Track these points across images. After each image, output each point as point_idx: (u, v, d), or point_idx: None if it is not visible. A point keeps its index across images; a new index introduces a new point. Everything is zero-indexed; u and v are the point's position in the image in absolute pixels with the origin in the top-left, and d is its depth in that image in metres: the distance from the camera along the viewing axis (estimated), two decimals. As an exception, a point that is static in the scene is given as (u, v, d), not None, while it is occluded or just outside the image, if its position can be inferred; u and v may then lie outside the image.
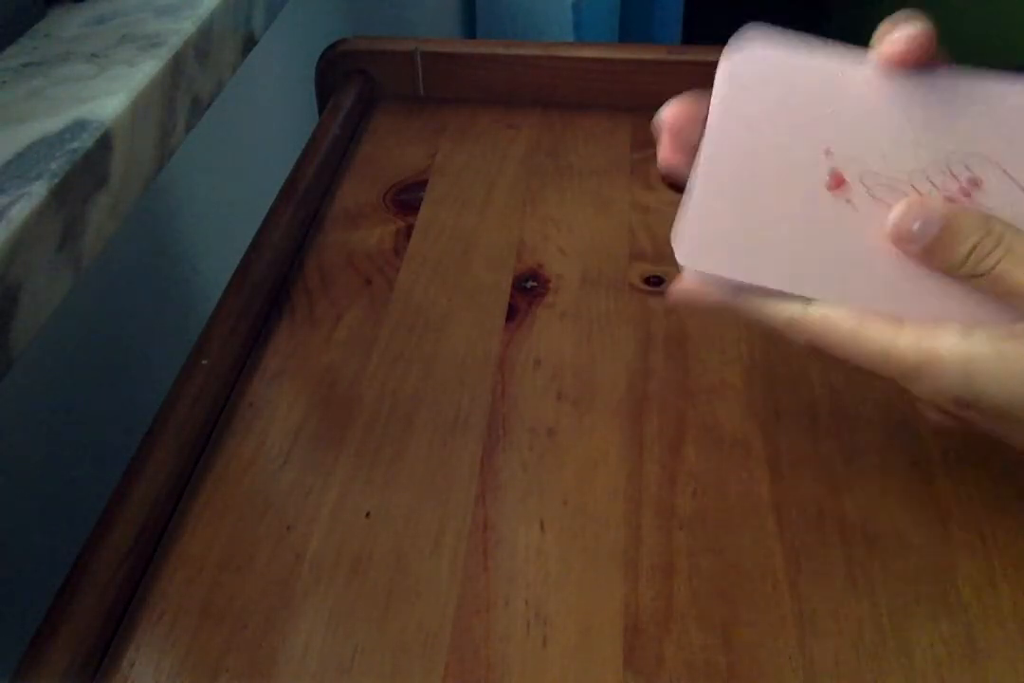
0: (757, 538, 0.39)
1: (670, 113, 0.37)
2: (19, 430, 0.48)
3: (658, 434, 0.43)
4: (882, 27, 0.34)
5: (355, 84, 0.66)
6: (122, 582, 0.37)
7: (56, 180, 0.35)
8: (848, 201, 0.34)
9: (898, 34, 0.33)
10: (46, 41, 0.44)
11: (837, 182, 0.34)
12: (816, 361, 0.45)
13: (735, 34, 0.35)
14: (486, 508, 0.40)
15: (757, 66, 0.35)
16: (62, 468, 0.52)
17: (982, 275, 0.33)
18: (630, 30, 1.48)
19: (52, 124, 0.38)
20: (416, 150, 0.62)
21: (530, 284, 0.51)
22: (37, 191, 0.34)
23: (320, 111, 0.67)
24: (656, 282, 0.51)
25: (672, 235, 0.35)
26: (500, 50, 0.65)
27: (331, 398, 0.45)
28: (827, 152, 0.34)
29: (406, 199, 0.58)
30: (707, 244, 0.35)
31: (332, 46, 0.67)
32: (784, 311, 0.35)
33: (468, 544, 0.39)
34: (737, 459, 0.42)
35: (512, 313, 0.50)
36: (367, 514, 0.40)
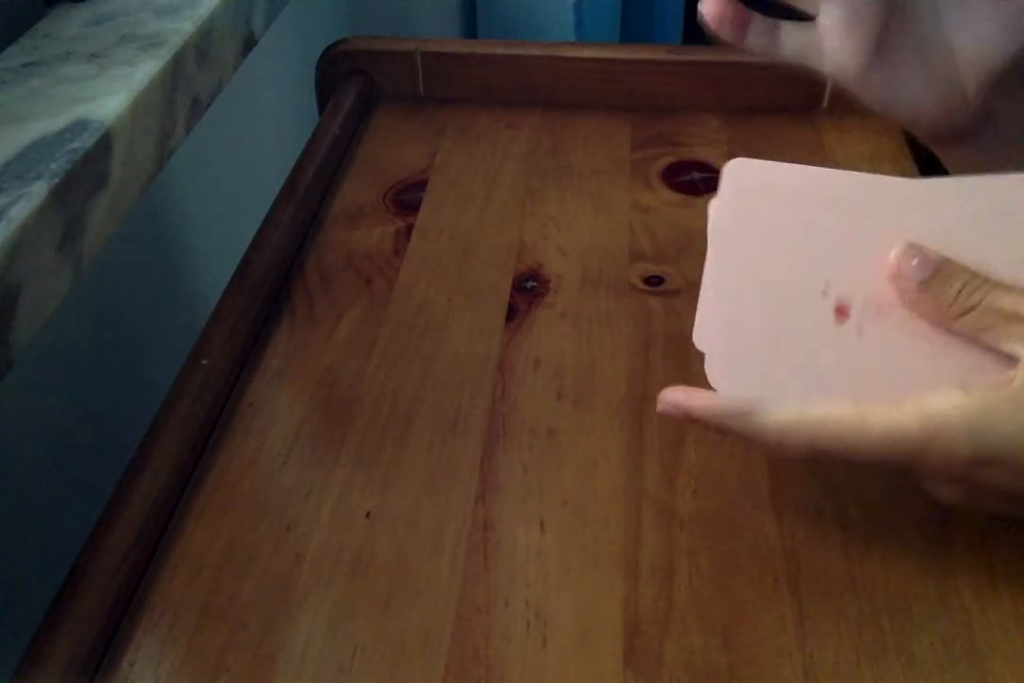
0: (757, 538, 0.39)
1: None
2: (19, 430, 0.48)
3: (658, 434, 0.43)
4: None
5: (355, 84, 0.66)
6: (122, 582, 0.37)
7: (56, 180, 0.35)
8: (859, 330, 0.35)
9: None
10: (46, 41, 0.44)
11: (841, 314, 0.36)
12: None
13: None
14: (486, 508, 0.40)
15: (754, 177, 0.37)
16: (62, 468, 0.52)
17: (973, 308, 0.34)
18: (630, 30, 1.48)
19: (52, 124, 0.38)
20: (416, 150, 0.62)
21: (530, 284, 0.51)
22: (37, 191, 0.34)
23: (320, 111, 0.67)
24: (656, 282, 0.51)
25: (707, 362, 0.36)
26: (500, 50, 0.65)
27: (331, 398, 0.45)
28: (825, 290, 0.36)
29: (406, 199, 0.58)
30: (737, 371, 0.36)
31: (332, 46, 0.67)
32: (780, 418, 0.34)
33: (468, 544, 0.39)
34: (737, 459, 0.42)
35: (512, 313, 0.50)
36: (367, 514, 0.40)
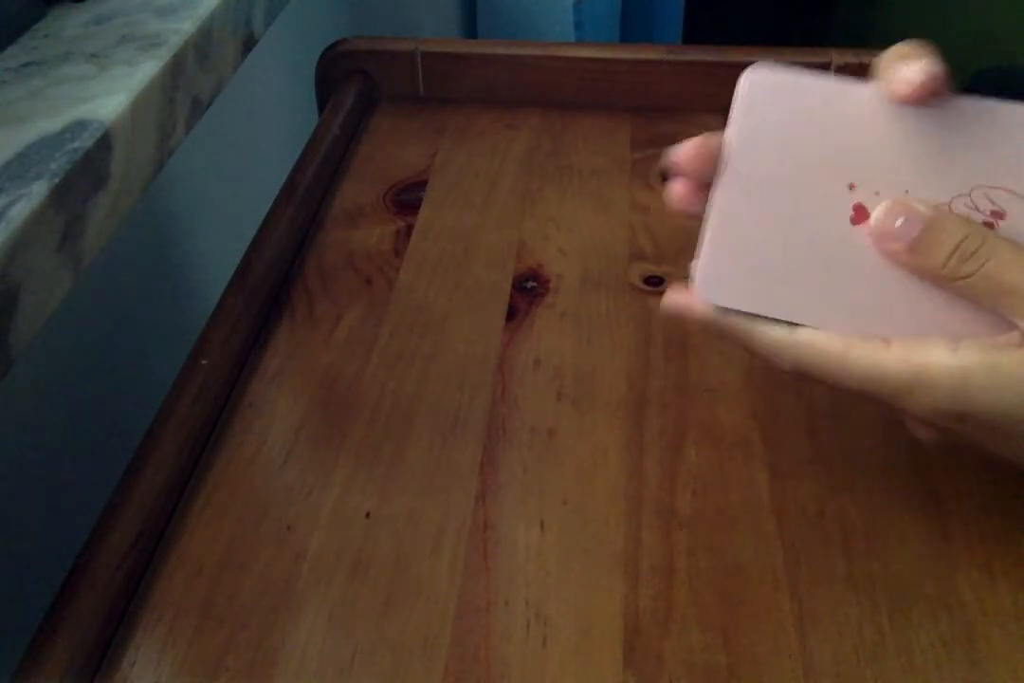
0: (757, 538, 0.39)
1: (684, 153, 0.35)
2: (19, 430, 0.48)
3: (658, 434, 0.43)
4: (887, 56, 0.33)
5: (355, 84, 0.66)
6: (122, 582, 0.37)
7: (56, 180, 0.35)
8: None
9: (909, 73, 0.32)
10: (46, 41, 0.44)
11: (860, 217, 0.34)
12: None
13: (747, 67, 0.35)
14: (486, 508, 0.40)
15: (774, 89, 0.35)
16: (62, 468, 0.52)
17: (965, 277, 0.33)
18: (630, 30, 1.48)
19: (52, 124, 0.38)
20: (416, 150, 0.62)
21: (530, 284, 0.51)
22: (37, 191, 0.34)
23: (320, 111, 0.67)
24: (656, 282, 0.51)
25: (692, 268, 0.36)
26: (500, 50, 0.65)
27: (331, 398, 0.45)
28: (851, 186, 0.34)
29: (406, 199, 0.58)
30: (726, 279, 0.35)
31: (332, 46, 0.67)
32: (769, 335, 0.35)
33: (468, 544, 0.39)
34: (737, 459, 0.42)
35: (512, 313, 0.50)
36: (367, 514, 0.40)
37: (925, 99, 0.33)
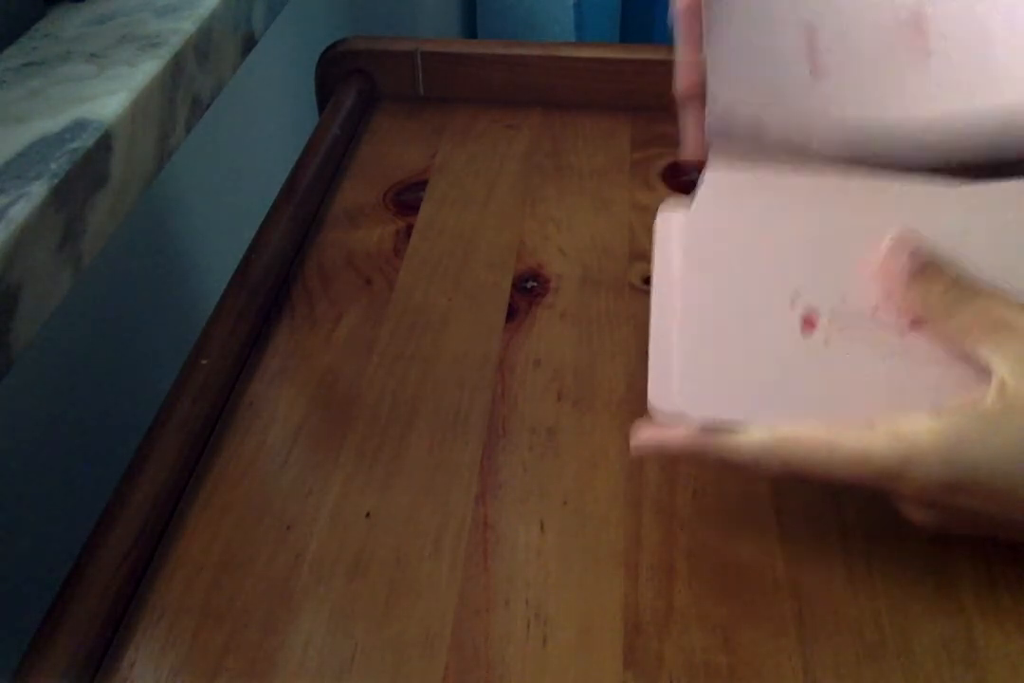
0: (757, 538, 0.39)
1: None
2: (19, 430, 0.48)
3: (658, 434, 0.43)
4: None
5: (355, 84, 0.66)
6: (122, 582, 0.37)
7: (56, 180, 0.35)
8: (825, 341, 0.35)
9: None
10: (46, 41, 0.44)
11: (809, 326, 0.35)
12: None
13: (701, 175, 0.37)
14: (486, 508, 0.40)
15: (720, 194, 0.37)
16: (62, 468, 0.52)
17: (959, 310, 0.33)
18: (630, 30, 1.48)
19: (52, 124, 0.38)
20: (416, 150, 0.62)
21: (530, 284, 0.51)
22: (37, 191, 0.34)
23: (320, 111, 0.67)
24: (656, 282, 0.51)
25: (649, 384, 0.36)
26: (500, 50, 0.65)
27: (331, 398, 0.45)
28: (793, 300, 0.35)
29: (406, 199, 0.58)
30: (685, 388, 0.36)
31: (332, 46, 0.67)
32: (752, 439, 0.34)
33: (468, 544, 0.39)
34: (737, 459, 0.42)
35: (512, 313, 0.50)
36: (367, 514, 0.40)
37: None
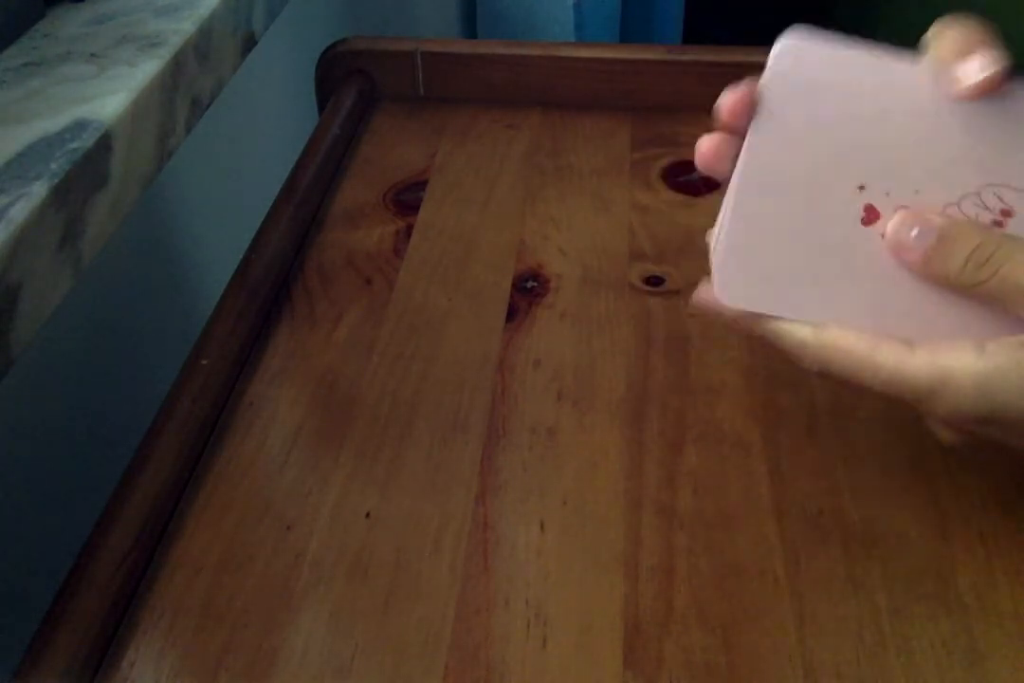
0: (757, 538, 0.39)
1: (727, 103, 0.35)
2: (19, 429, 0.48)
3: (658, 434, 0.43)
4: (947, 42, 0.32)
5: (355, 84, 0.66)
6: (122, 582, 0.37)
7: (56, 180, 0.35)
8: (883, 235, 0.34)
9: (973, 70, 0.32)
10: (46, 41, 0.44)
11: (871, 217, 0.34)
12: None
13: (783, 32, 0.34)
14: (486, 508, 0.40)
15: (801, 64, 0.34)
16: (62, 468, 0.52)
17: (982, 283, 0.33)
18: (630, 30, 1.48)
19: (52, 124, 0.38)
20: (416, 150, 0.62)
21: (530, 284, 0.51)
22: (37, 191, 0.34)
23: (320, 111, 0.67)
24: (656, 282, 0.51)
25: (711, 267, 0.35)
26: (500, 50, 0.65)
27: (331, 398, 0.45)
28: (861, 187, 0.34)
29: (406, 199, 0.58)
30: (743, 282, 0.35)
31: (332, 46, 0.67)
32: (796, 333, 0.34)
33: (468, 544, 0.39)
34: (737, 459, 0.42)
35: (512, 313, 0.50)
36: (367, 514, 0.40)
37: (986, 95, 0.32)
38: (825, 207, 0.34)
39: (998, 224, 0.33)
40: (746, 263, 0.35)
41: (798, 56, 0.34)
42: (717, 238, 0.35)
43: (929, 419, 0.36)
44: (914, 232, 0.33)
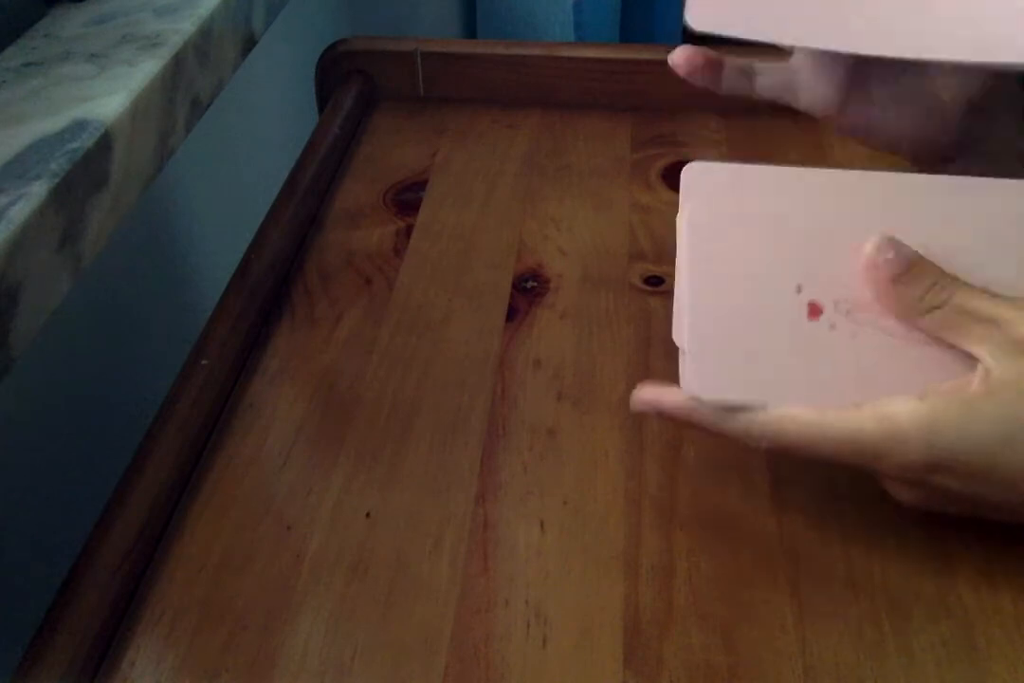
0: (757, 538, 0.39)
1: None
2: (19, 429, 0.48)
3: (658, 434, 0.43)
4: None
5: (355, 84, 0.66)
6: (122, 582, 0.37)
7: (56, 180, 0.35)
8: (831, 326, 0.36)
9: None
10: (46, 41, 0.44)
11: (815, 311, 0.36)
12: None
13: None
14: (486, 508, 0.40)
15: (715, 185, 0.37)
16: (62, 467, 0.52)
17: (940, 306, 0.34)
18: (630, 30, 1.48)
19: (52, 124, 0.38)
20: (416, 150, 0.62)
21: (530, 284, 0.51)
22: (37, 191, 0.34)
23: (320, 111, 0.67)
24: (656, 282, 0.51)
25: (681, 362, 0.37)
26: (500, 50, 0.65)
27: (331, 398, 0.45)
28: (799, 287, 0.36)
29: (406, 199, 0.58)
30: (714, 375, 0.37)
31: (332, 46, 0.67)
32: (746, 416, 0.35)
33: (468, 544, 0.39)
34: (737, 460, 0.42)
35: (512, 313, 0.50)
36: (367, 514, 0.40)
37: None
38: (774, 308, 0.36)
39: None
40: (714, 356, 0.37)
41: (708, 181, 0.37)
42: (679, 326, 0.37)
43: (885, 480, 0.37)
44: (889, 255, 0.35)
